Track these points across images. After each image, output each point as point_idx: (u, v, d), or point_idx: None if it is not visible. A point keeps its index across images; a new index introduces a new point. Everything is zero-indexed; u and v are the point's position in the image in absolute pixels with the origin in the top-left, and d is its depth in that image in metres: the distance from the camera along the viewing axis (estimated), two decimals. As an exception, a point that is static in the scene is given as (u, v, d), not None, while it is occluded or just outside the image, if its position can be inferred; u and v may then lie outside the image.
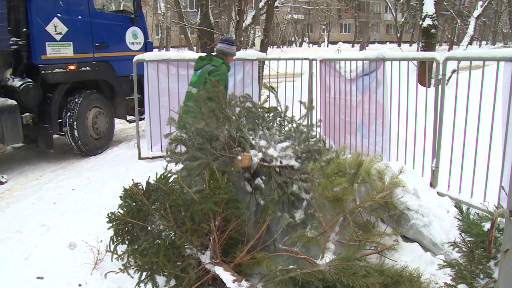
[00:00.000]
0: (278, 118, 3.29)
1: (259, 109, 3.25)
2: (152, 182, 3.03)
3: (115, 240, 3.01)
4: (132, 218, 2.87)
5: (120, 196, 3.10)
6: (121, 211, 3.01)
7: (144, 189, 3.01)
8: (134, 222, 2.88)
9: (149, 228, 2.91)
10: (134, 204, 2.95)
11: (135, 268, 2.79)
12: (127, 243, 3.01)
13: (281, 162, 2.96)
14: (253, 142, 2.99)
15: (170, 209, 2.64)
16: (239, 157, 2.86)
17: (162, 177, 3.05)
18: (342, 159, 3.53)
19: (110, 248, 3.01)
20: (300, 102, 3.55)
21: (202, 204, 2.56)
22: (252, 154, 2.88)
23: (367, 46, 33.69)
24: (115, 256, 2.95)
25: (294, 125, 3.29)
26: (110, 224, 3.03)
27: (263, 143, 3.02)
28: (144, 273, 2.77)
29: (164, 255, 2.66)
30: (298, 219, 3.02)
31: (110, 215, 3.04)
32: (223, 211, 2.68)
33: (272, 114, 3.29)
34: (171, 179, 3.03)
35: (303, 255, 2.84)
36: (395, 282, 2.54)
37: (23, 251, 3.52)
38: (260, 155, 2.91)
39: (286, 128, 3.31)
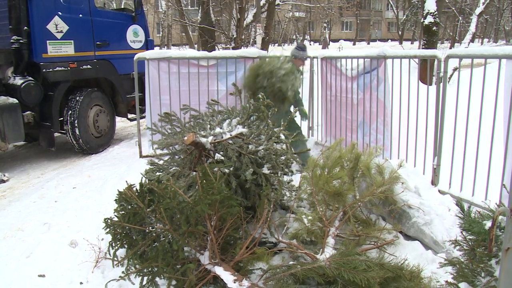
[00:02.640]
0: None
1: (204, 114, 3.65)
2: (146, 182, 3.03)
3: (113, 245, 3.00)
4: (128, 222, 2.85)
5: (115, 200, 3.10)
6: (117, 215, 3.00)
7: (138, 191, 3.00)
8: (131, 227, 2.86)
9: (146, 230, 2.90)
10: (129, 207, 2.94)
11: (136, 273, 2.78)
12: (126, 247, 3.00)
13: (231, 134, 3.22)
14: (203, 133, 3.29)
15: (165, 212, 2.62)
16: (185, 138, 3.08)
17: (154, 173, 3.08)
18: (342, 153, 3.54)
19: (110, 254, 3.00)
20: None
21: (196, 206, 2.54)
22: (203, 141, 3.12)
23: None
24: (115, 262, 2.94)
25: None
26: (107, 230, 3.04)
27: (212, 132, 3.37)
28: (145, 278, 2.75)
29: (162, 259, 2.65)
30: (266, 171, 3.26)
31: (106, 220, 3.04)
32: (218, 210, 2.67)
33: (219, 116, 3.60)
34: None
35: (303, 250, 2.84)
36: (395, 277, 2.54)
37: (25, 249, 3.53)
38: (211, 138, 3.19)
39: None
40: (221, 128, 3.29)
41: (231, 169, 3.02)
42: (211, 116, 3.54)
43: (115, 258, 2.91)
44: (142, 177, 3.23)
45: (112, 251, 2.95)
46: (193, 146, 3.10)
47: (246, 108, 3.46)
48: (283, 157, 3.41)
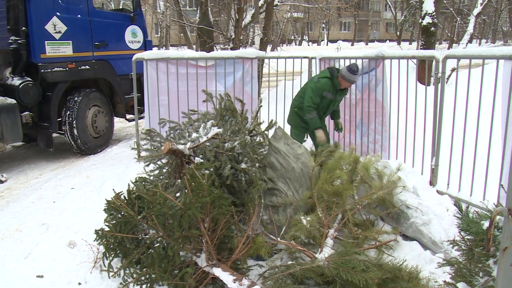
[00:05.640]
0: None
1: (182, 124, 3.69)
2: (134, 190, 3.04)
3: (107, 255, 2.99)
4: (120, 231, 2.84)
5: (104, 209, 3.10)
6: (108, 225, 3.00)
7: (127, 198, 3.00)
8: (123, 236, 2.86)
9: (139, 237, 2.90)
10: (119, 216, 2.94)
11: (134, 282, 2.77)
12: (120, 256, 2.99)
13: (207, 137, 3.27)
14: (183, 141, 3.33)
15: (157, 219, 2.60)
16: (162, 147, 3.09)
17: (143, 186, 3.10)
18: (342, 154, 3.55)
19: (104, 265, 2.99)
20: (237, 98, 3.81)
21: (188, 210, 2.54)
22: (181, 148, 3.15)
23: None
24: (111, 273, 2.93)
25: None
26: (99, 241, 3.04)
27: (190, 138, 3.42)
28: (144, 286, 2.73)
29: (159, 266, 2.63)
30: (244, 166, 3.30)
31: (97, 231, 3.04)
32: (210, 211, 2.67)
33: (196, 123, 3.65)
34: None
35: (302, 249, 2.84)
36: (393, 278, 2.54)
37: (23, 250, 3.52)
38: (189, 144, 3.22)
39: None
40: (197, 133, 3.35)
41: (211, 169, 3.04)
42: (189, 124, 3.60)
43: (111, 269, 2.90)
44: (129, 185, 3.23)
45: (106, 262, 2.94)
46: (172, 154, 3.12)
47: (218, 109, 3.54)
48: (264, 151, 3.52)
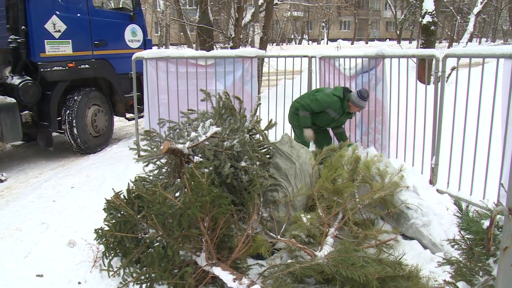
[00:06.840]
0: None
1: (181, 123, 3.71)
2: (134, 189, 3.04)
3: (107, 255, 2.99)
4: (120, 231, 2.84)
5: (104, 209, 3.09)
6: (108, 224, 2.99)
7: (127, 198, 3.00)
8: (123, 235, 2.86)
9: (139, 236, 2.90)
10: (119, 215, 2.93)
11: (134, 282, 2.77)
12: (120, 255, 2.99)
13: (206, 136, 3.28)
14: (182, 141, 3.34)
15: (157, 218, 2.60)
16: (161, 147, 3.10)
17: (143, 185, 3.11)
18: (343, 152, 3.55)
19: (104, 264, 2.99)
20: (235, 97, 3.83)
21: (187, 210, 2.53)
22: (180, 147, 3.16)
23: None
24: (111, 272, 2.93)
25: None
26: (99, 240, 3.04)
27: (189, 137, 3.43)
28: (144, 285, 2.73)
29: (159, 265, 2.63)
30: (244, 164, 3.32)
31: (97, 231, 3.04)
32: (210, 211, 2.67)
33: (195, 122, 3.66)
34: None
35: (302, 246, 2.84)
36: (394, 276, 2.54)
37: (23, 249, 3.52)
38: (188, 143, 3.24)
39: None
40: (196, 132, 3.36)
41: (211, 168, 3.03)
42: (188, 124, 3.61)
43: (111, 268, 2.90)
44: (128, 184, 3.23)
45: (106, 261, 2.94)
46: (171, 154, 3.12)
47: (216, 108, 3.55)
48: (263, 149, 3.55)
